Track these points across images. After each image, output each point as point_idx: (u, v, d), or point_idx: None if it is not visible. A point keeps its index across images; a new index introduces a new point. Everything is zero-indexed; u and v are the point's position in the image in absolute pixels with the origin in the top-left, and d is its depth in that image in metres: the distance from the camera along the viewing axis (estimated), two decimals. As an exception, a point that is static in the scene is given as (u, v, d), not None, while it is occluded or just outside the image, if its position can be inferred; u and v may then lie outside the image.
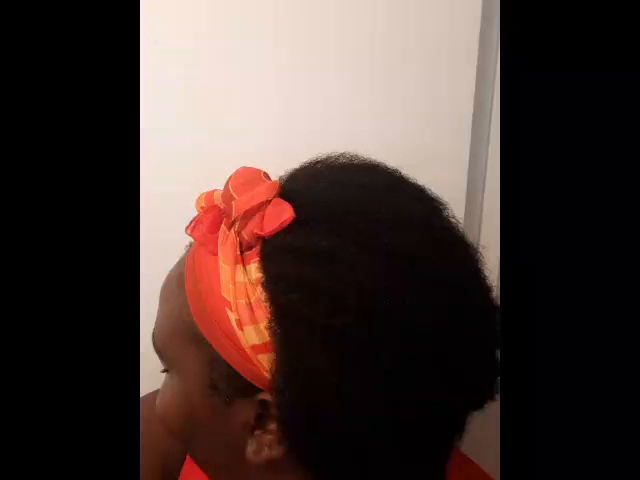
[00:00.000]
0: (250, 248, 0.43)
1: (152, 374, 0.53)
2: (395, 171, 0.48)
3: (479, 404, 0.46)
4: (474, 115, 0.66)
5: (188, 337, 0.45)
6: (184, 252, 0.49)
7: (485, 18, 0.64)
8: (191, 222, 0.47)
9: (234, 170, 0.46)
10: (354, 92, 0.69)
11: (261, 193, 0.43)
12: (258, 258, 0.42)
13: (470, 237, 0.47)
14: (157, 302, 0.49)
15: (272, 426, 0.43)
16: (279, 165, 0.49)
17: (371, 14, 0.66)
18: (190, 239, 0.48)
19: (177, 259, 0.50)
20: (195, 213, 0.48)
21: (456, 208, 0.48)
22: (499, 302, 0.41)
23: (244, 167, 0.46)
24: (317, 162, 0.49)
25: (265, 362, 0.41)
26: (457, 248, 0.46)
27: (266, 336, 0.41)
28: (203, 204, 0.47)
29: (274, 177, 0.48)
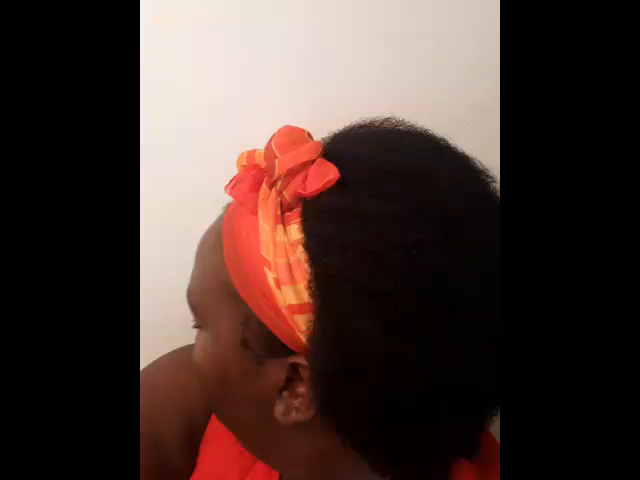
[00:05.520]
0: (291, 209, 0.42)
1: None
2: (442, 139, 0.47)
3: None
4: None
5: (223, 294, 0.44)
6: (222, 211, 0.48)
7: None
8: (231, 181, 0.46)
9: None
10: (354, 92, 0.69)
11: (305, 152, 0.42)
12: (300, 219, 0.41)
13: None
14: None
15: (301, 389, 0.43)
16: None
17: (372, 15, 0.66)
18: (229, 198, 0.46)
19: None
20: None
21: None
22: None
23: (287, 125, 0.45)
24: (360, 126, 0.47)
25: (301, 323, 0.40)
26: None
27: (304, 297, 0.40)
28: (244, 162, 0.45)
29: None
